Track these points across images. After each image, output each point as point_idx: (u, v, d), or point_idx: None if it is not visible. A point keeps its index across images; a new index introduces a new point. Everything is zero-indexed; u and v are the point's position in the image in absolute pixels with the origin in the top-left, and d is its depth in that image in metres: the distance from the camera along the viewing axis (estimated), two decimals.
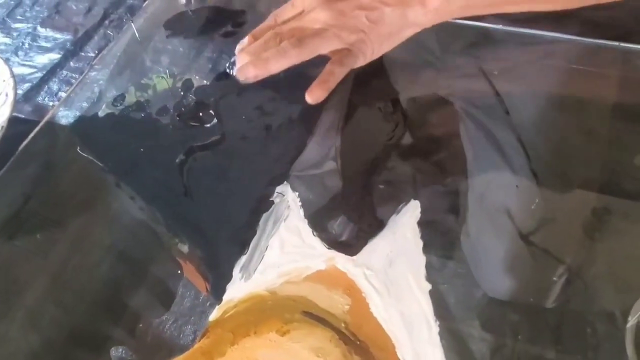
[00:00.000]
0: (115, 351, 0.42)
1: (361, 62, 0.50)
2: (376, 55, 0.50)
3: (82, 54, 0.92)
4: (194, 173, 0.48)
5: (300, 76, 0.54)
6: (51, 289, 0.46)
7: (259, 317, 0.40)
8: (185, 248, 0.45)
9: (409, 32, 0.50)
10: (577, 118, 0.54)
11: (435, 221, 0.55)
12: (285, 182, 0.47)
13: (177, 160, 0.49)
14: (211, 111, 0.52)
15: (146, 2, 0.67)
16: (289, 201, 0.46)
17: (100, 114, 0.53)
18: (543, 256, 0.44)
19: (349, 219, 0.45)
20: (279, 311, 0.40)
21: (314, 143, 0.50)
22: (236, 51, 0.51)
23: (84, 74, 0.58)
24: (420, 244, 0.43)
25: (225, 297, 0.41)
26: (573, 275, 0.49)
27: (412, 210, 0.45)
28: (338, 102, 0.52)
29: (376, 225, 0.44)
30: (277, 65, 0.47)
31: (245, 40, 0.51)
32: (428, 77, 0.58)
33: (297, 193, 0.46)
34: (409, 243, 0.43)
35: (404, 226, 0.44)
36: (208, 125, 0.51)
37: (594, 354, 0.53)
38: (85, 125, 0.53)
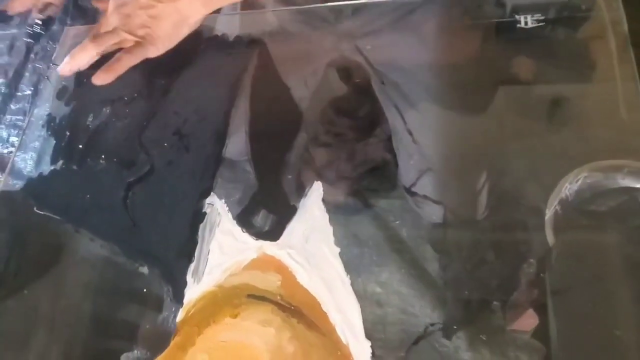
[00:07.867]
0: (127, 358, 0.52)
1: (152, 52, 0.60)
2: (168, 44, 0.61)
3: (19, 93, 0.96)
4: (137, 205, 0.57)
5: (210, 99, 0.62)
6: (56, 327, 0.55)
7: (214, 309, 0.51)
8: (145, 269, 0.55)
9: (190, 22, 0.60)
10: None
11: (376, 168, 0.64)
12: (212, 193, 0.56)
13: (120, 198, 0.58)
14: (138, 146, 0.61)
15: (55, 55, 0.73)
16: (218, 209, 0.55)
17: (44, 172, 0.61)
18: (423, 202, 0.54)
19: (268, 211, 0.55)
20: (229, 300, 0.51)
21: (229, 152, 0.59)
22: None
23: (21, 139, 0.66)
24: (327, 217, 0.53)
25: (185, 300, 0.52)
26: (494, 181, 0.58)
27: (316, 191, 0.54)
28: (242, 112, 0.61)
29: (290, 211, 0.54)
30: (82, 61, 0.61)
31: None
32: (327, 41, 0.64)
33: (223, 200, 0.56)
34: (318, 219, 0.53)
35: (312, 206, 0.54)
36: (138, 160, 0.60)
37: (527, 247, 0.64)
38: (35, 186, 0.61)
